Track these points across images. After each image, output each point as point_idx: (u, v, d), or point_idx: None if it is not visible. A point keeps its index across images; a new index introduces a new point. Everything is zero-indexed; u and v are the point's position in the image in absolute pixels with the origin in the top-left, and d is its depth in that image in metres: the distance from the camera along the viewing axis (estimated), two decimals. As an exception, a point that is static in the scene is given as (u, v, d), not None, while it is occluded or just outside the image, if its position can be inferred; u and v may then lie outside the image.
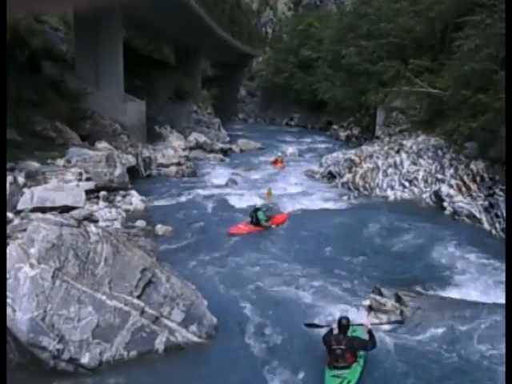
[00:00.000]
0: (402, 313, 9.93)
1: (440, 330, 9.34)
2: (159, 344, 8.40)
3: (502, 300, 10.69)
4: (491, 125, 17.77)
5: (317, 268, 12.61)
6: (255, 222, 16.21)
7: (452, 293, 11.17)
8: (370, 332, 8.66)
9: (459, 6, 23.96)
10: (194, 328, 8.81)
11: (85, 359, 7.80)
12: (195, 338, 8.75)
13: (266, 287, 11.41)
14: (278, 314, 10.12)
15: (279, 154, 32.25)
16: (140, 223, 16.09)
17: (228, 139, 40.62)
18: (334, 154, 27.02)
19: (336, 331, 8.41)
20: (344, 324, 8.36)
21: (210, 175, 26.26)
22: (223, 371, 8.20)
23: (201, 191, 21.82)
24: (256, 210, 16.33)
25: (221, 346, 8.88)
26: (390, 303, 10.20)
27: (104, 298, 8.26)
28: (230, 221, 17.22)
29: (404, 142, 23.54)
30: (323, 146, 40.80)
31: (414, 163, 21.47)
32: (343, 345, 8.13)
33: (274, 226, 16.55)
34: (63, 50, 34.62)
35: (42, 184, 16.66)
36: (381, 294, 10.64)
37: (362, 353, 8.41)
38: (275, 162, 30.42)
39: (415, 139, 23.53)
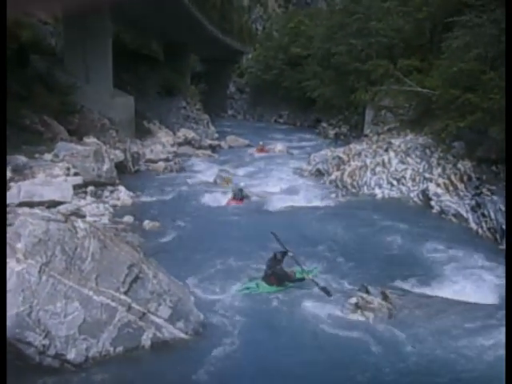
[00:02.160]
0: (388, 310, 9.99)
1: (419, 326, 9.42)
2: (146, 340, 8.35)
3: (487, 299, 10.85)
4: (479, 125, 17.86)
5: (304, 266, 12.60)
6: (240, 198, 19.12)
7: (438, 291, 11.21)
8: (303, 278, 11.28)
9: (448, 7, 24.07)
10: (180, 324, 8.78)
11: (71, 355, 7.73)
12: (182, 335, 8.72)
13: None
14: (264, 311, 10.13)
15: (260, 143, 35.00)
16: (127, 219, 16.04)
17: (217, 135, 40.54)
18: (323, 152, 27.03)
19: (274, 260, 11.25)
20: (278, 259, 11.16)
21: (199, 171, 26.20)
22: (209, 368, 8.18)
23: (189, 187, 21.86)
24: (241, 189, 19.54)
25: (207, 343, 8.85)
26: (376, 301, 10.24)
27: (91, 293, 8.20)
28: (217, 216, 17.34)
29: (392, 141, 23.56)
30: (312, 143, 40.79)
31: (402, 162, 21.47)
32: (271, 270, 11.03)
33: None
34: (52, 44, 34.39)
35: (29, 178, 16.59)
36: (368, 292, 10.69)
37: (283, 286, 11.11)
38: (259, 150, 34.01)
39: (403, 138, 23.58)
